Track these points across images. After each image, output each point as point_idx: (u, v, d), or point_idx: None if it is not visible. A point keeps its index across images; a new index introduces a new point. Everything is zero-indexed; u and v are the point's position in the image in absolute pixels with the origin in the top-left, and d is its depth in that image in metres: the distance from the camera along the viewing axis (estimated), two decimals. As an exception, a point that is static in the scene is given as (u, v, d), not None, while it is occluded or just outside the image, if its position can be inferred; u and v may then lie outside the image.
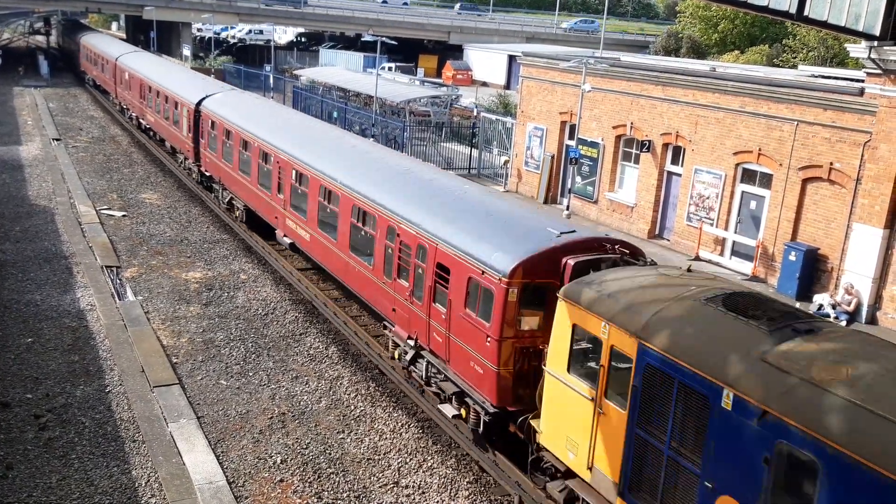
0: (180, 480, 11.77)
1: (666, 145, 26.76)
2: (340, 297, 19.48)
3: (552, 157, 31.79)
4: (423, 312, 13.74)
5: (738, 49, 63.45)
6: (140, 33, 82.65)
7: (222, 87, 31.67)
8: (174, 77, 35.07)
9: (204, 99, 27.64)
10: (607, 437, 9.81)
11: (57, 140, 37.96)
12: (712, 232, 24.80)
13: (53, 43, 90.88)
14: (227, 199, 25.80)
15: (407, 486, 12.21)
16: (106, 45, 53.45)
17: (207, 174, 27.46)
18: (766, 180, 23.56)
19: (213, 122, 26.11)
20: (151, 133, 37.37)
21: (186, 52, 75.06)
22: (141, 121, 38.77)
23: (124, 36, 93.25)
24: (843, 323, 19.67)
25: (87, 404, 13.86)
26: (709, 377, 8.37)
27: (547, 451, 11.11)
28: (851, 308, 20.57)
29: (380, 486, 12.16)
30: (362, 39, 79.60)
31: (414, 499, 11.94)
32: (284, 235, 20.65)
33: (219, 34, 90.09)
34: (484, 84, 72.45)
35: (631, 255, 11.97)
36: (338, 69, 65.85)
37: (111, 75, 46.09)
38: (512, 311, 11.60)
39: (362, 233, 16.32)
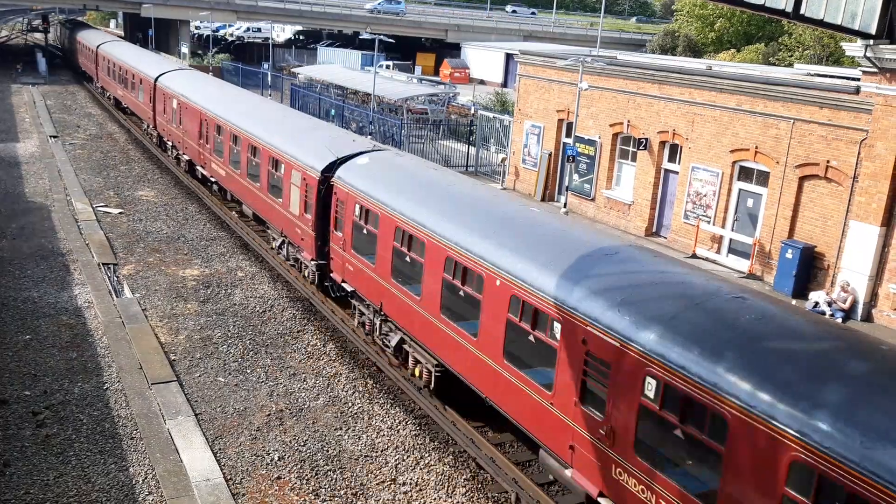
0: (177, 477, 11.80)
1: (663, 143, 26.81)
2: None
3: (549, 154, 31.83)
4: None
5: (734, 47, 63.56)
6: (138, 31, 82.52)
7: (355, 141, 20.04)
8: (265, 115, 23.97)
9: (337, 165, 17.81)
10: None
11: (54, 137, 37.94)
12: (709, 229, 24.85)
13: (52, 40, 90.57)
14: (393, 342, 15.39)
15: (404, 483, 12.25)
16: (134, 58, 42.68)
17: (349, 288, 17.29)
18: (762, 178, 23.61)
19: (365, 211, 16.14)
20: (215, 186, 27.36)
21: (185, 49, 75.01)
22: (200, 169, 28.49)
23: (122, 34, 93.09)
24: (839, 320, 19.75)
25: (85, 401, 13.88)
26: None
27: None
28: (847, 306, 20.63)
29: (377, 483, 12.19)
30: (360, 37, 79.52)
31: (411, 496, 11.97)
32: (599, 495, 10.17)
33: (217, 32, 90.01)
34: (481, 82, 72.47)
35: None
36: (336, 67, 65.87)
37: (147, 99, 35.96)
38: None
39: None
